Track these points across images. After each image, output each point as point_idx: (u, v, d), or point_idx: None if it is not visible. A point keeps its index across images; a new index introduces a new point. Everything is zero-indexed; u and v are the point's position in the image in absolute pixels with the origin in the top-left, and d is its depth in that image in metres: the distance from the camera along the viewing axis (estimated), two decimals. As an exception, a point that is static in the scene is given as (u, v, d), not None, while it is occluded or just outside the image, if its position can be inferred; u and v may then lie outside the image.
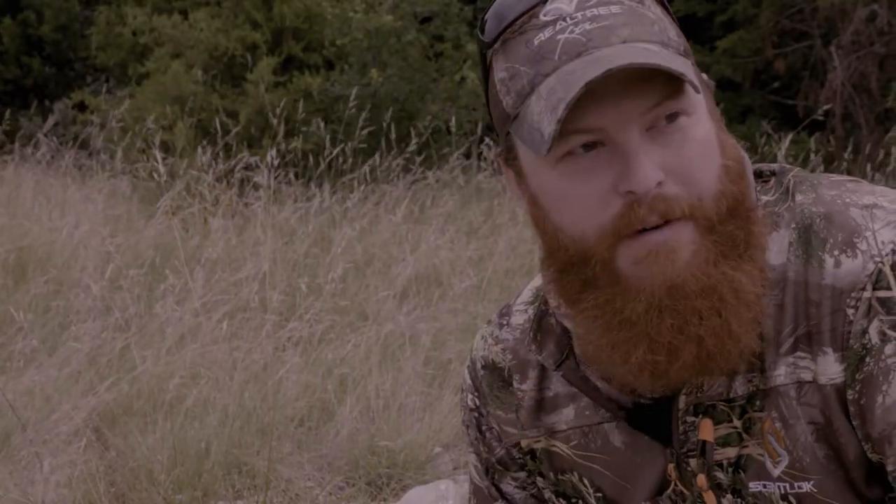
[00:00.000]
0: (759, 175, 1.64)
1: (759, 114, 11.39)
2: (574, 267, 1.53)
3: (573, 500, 1.77)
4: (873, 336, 1.49)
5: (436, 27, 10.74)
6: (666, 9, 1.57)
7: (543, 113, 1.46)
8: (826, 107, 9.61)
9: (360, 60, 10.26)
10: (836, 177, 1.63)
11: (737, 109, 11.47)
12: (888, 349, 1.48)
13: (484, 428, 1.80)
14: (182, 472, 4.66)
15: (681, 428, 1.62)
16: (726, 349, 1.51)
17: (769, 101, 11.63)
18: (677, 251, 1.47)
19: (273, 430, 4.89)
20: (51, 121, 10.63)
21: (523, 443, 1.77)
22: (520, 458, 1.78)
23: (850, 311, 1.50)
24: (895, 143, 9.54)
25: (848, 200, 1.55)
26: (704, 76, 1.59)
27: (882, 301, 1.49)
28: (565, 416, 1.71)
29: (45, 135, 10.00)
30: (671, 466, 1.64)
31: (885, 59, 10.80)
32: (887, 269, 1.49)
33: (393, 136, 8.97)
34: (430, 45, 10.68)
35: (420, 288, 6.90)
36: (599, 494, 1.73)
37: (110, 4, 12.20)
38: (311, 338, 5.91)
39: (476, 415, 1.81)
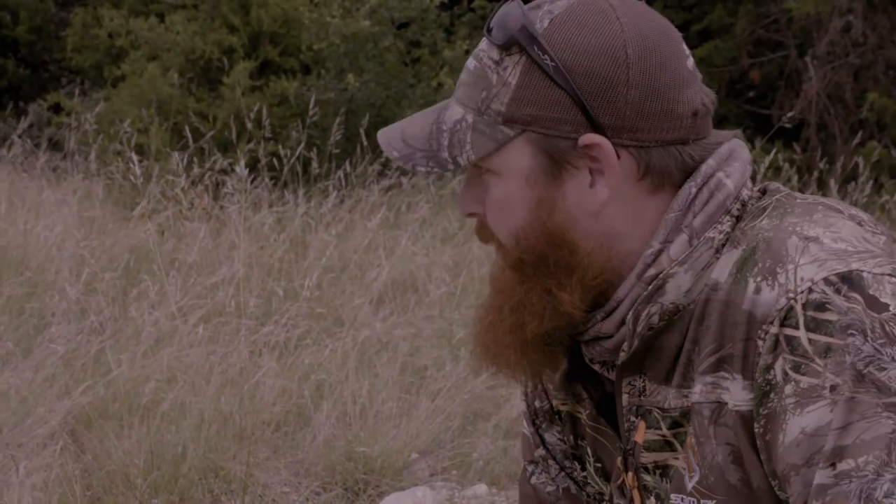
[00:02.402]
0: (763, 193, 1.69)
1: (735, 123, 11.42)
2: None
3: (585, 466, 1.85)
4: (777, 373, 1.50)
5: (413, 33, 10.74)
6: (540, 67, 1.58)
7: None
8: (789, 114, 9.63)
9: (336, 65, 10.25)
10: (819, 200, 1.64)
11: (712, 119, 11.49)
12: (788, 389, 1.49)
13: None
14: (158, 476, 4.64)
15: (625, 425, 1.69)
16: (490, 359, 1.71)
17: (744, 110, 11.68)
18: (496, 266, 1.70)
19: (250, 434, 4.88)
20: (25, 122, 10.58)
21: (554, 402, 1.87)
22: (558, 415, 1.88)
23: (760, 343, 1.52)
24: (868, 155, 9.58)
25: (798, 229, 1.56)
26: (588, 138, 1.58)
27: (788, 339, 1.50)
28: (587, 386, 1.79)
29: (20, 136, 9.96)
30: (619, 459, 1.72)
31: (859, 70, 10.85)
32: (798, 307, 1.49)
33: (365, 142, 8.95)
34: (407, 50, 10.68)
35: (396, 294, 6.89)
36: (599, 465, 1.81)
37: (86, 6, 12.16)
38: (288, 343, 5.90)
39: None
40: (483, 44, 1.64)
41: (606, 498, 1.81)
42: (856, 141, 9.84)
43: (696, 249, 1.59)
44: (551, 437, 1.89)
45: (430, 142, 1.63)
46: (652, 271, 1.61)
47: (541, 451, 1.91)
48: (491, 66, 1.61)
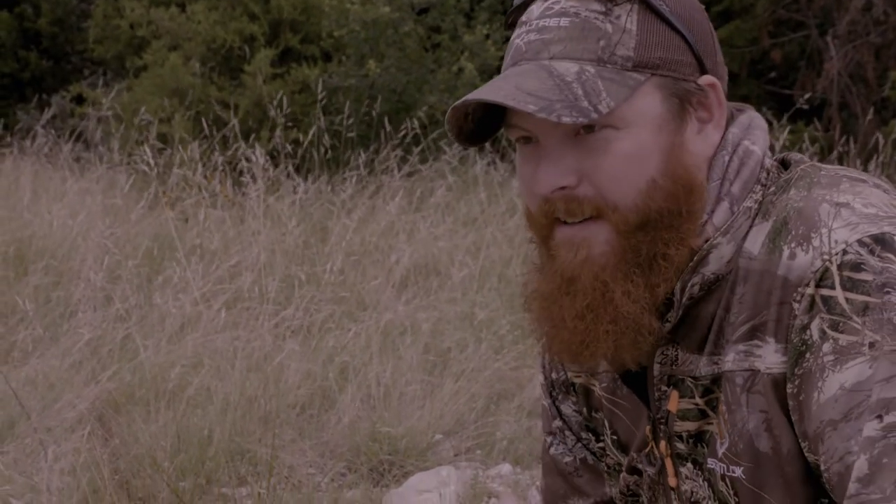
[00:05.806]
0: (786, 165, 1.71)
1: (756, 103, 11.39)
2: (530, 231, 1.67)
3: (601, 438, 1.87)
4: (814, 333, 1.53)
5: (433, 18, 10.74)
6: (655, 12, 1.61)
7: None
8: (807, 95, 9.61)
9: (357, 52, 10.26)
10: (842, 173, 1.66)
11: (734, 99, 11.41)
12: (826, 347, 1.51)
13: None
14: (185, 459, 4.68)
15: (656, 395, 1.71)
16: (583, 349, 1.63)
17: (766, 90, 11.65)
18: (582, 247, 1.59)
19: (275, 417, 4.92)
20: (48, 114, 10.63)
21: (568, 374, 1.89)
22: (572, 386, 1.90)
23: (795, 305, 1.54)
24: (890, 133, 9.55)
25: (827, 197, 1.59)
26: (707, 78, 1.63)
27: (825, 299, 1.52)
28: None
29: (43, 128, 10.01)
30: (647, 428, 1.74)
31: (881, 49, 10.81)
32: (833, 268, 1.52)
33: (389, 127, 8.98)
34: (428, 36, 10.68)
35: (418, 277, 6.92)
36: (615, 437, 1.83)
37: (107, -3, 12.19)
38: (312, 327, 5.94)
39: None
40: (562, 1, 1.60)
41: (624, 468, 1.83)
42: (869, 117, 9.81)
43: (737, 219, 1.62)
44: (567, 408, 1.92)
45: (564, 93, 1.54)
46: (698, 241, 1.63)
47: (558, 423, 1.93)
48: (597, 16, 1.59)
